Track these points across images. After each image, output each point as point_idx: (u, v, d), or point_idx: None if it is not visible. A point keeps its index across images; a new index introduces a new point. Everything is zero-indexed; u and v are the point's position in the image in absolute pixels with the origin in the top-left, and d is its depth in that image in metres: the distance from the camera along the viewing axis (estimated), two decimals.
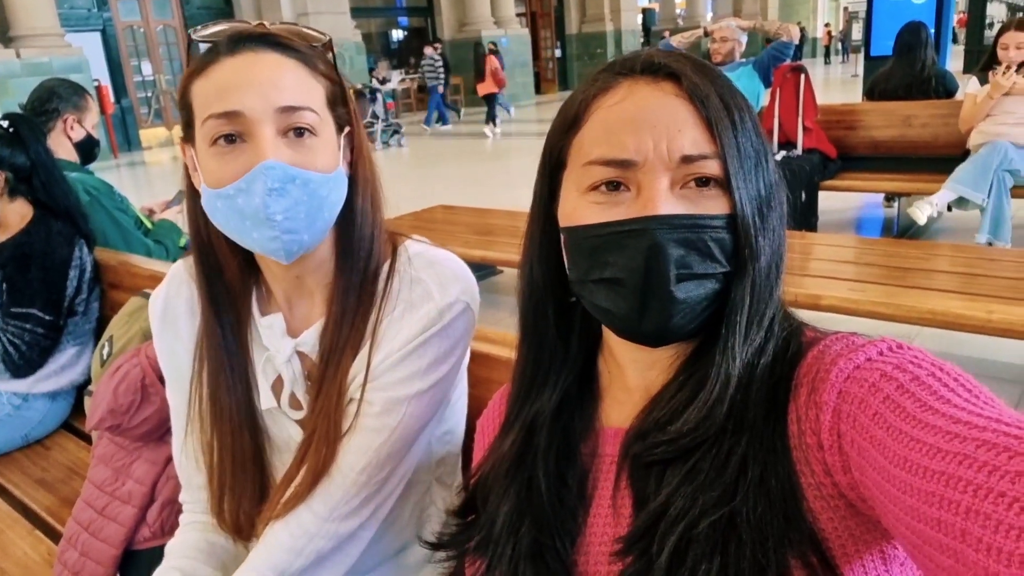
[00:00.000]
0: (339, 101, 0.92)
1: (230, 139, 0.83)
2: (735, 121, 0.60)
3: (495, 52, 13.58)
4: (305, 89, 0.86)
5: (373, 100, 12.15)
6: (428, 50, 14.10)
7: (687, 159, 0.58)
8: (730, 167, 0.58)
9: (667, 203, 0.58)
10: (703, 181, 0.59)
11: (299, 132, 0.85)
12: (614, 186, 0.60)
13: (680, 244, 0.58)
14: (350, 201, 0.92)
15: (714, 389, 0.59)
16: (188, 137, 0.89)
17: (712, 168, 0.59)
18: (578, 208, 0.62)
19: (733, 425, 0.58)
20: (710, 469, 0.57)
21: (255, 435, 0.98)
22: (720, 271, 0.59)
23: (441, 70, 13.86)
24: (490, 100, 13.08)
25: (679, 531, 0.56)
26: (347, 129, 0.93)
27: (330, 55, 0.93)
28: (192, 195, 0.92)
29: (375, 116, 12.24)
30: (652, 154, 0.58)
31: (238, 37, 0.86)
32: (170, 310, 1.02)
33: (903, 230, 4.85)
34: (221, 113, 0.82)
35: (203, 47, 0.88)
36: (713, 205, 0.59)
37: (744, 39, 4.81)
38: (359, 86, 12.06)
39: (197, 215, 0.92)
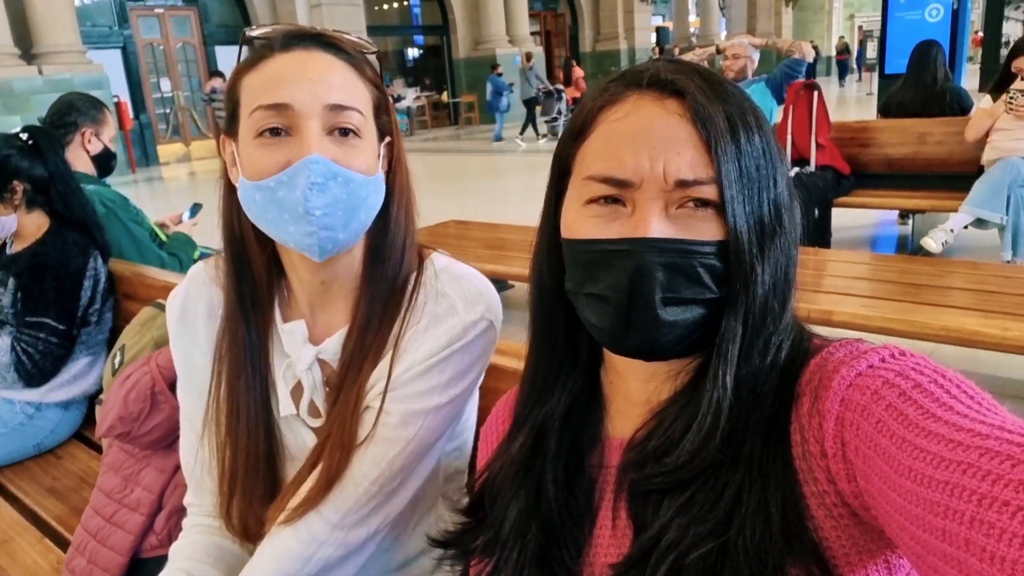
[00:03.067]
0: (383, 109, 0.93)
1: (276, 132, 0.84)
2: (740, 142, 0.58)
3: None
4: (353, 90, 0.87)
5: (559, 99, 14.30)
6: (216, 82, 11.14)
7: (682, 183, 0.58)
8: (726, 193, 0.57)
9: (658, 225, 0.58)
10: (700, 202, 0.58)
11: (344, 132, 0.86)
12: (612, 199, 0.60)
13: (667, 268, 0.57)
14: (386, 209, 0.93)
15: (706, 421, 0.58)
16: (231, 131, 0.89)
17: (708, 193, 0.58)
18: (577, 220, 0.63)
19: (730, 458, 0.57)
20: (704, 502, 0.57)
21: (270, 438, 0.98)
22: (709, 297, 0.58)
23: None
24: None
25: (669, 562, 0.56)
26: (387, 139, 0.94)
27: (378, 65, 0.94)
28: (228, 192, 0.92)
29: (560, 112, 14.11)
30: (648, 174, 0.58)
31: (292, 35, 0.87)
32: (189, 312, 1.02)
33: (917, 247, 4.82)
34: (270, 104, 0.83)
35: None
36: (706, 229, 0.58)
37: (756, 56, 4.82)
38: (549, 87, 14.32)
39: (232, 212, 0.93)
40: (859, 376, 0.54)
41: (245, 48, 0.90)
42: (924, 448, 0.46)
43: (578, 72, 15.60)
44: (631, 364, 0.66)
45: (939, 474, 0.44)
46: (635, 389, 0.68)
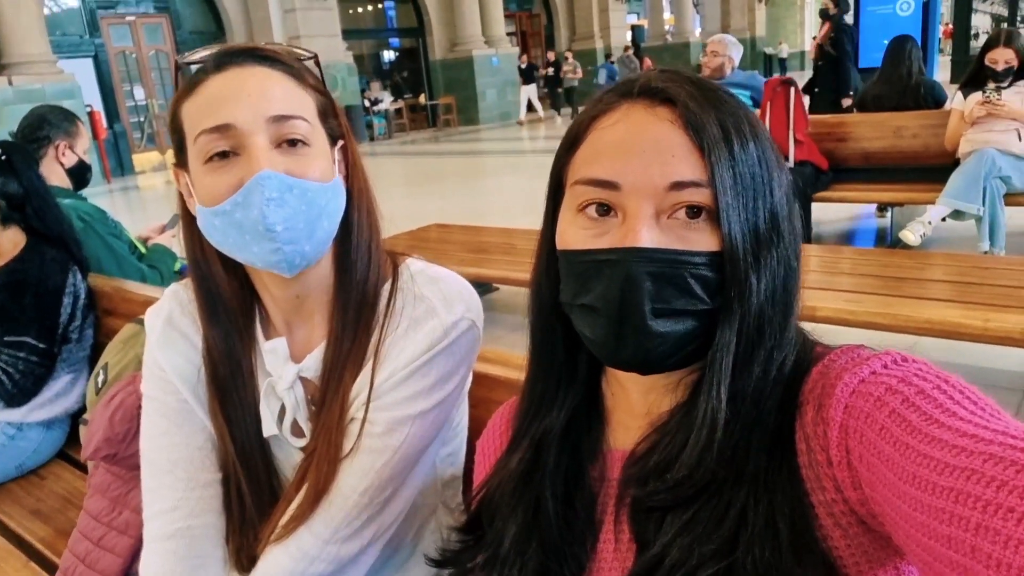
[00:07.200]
0: (330, 114, 0.92)
1: (224, 155, 0.82)
2: (734, 149, 0.57)
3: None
4: (295, 99, 0.86)
5: None
6: None
7: (677, 185, 0.56)
8: (721, 200, 0.56)
9: (649, 234, 0.56)
10: (693, 212, 0.57)
11: (292, 142, 0.84)
12: (604, 210, 0.59)
13: (657, 278, 0.56)
14: (347, 214, 0.92)
15: (701, 434, 0.57)
16: (181, 162, 0.88)
17: (703, 197, 0.56)
18: (568, 231, 0.62)
19: (734, 475, 0.57)
20: (708, 521, 0.56)
21: (268, 465, 0.96)
22: (702, 308, 0.57)
23: None
24: None
25: None
26: (340, 142, 0.93)
27: (317, 70, 0.93)
28: (188, 222, 0.91)
29: None
30: (638, 179, 0.57)
31: (224, 53, 0.86)
32: (175, 324, 0.97)
33: (897, 240, 4.87)
34: (213, 127, 0.81)
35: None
36: (700, 240, 0.57)
37: (737, 55, 4.83)
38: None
39: (194, 242, 0.91)
40: (862, 383, 0.54)
41: (181, 75, 0.88)
42: (928, 454, 0.45)
43: (648, 63, 17.99)
44: (632, 376, 0.65)
45: (944, 481, 0.43)
46: (636, 401, 0.68)
